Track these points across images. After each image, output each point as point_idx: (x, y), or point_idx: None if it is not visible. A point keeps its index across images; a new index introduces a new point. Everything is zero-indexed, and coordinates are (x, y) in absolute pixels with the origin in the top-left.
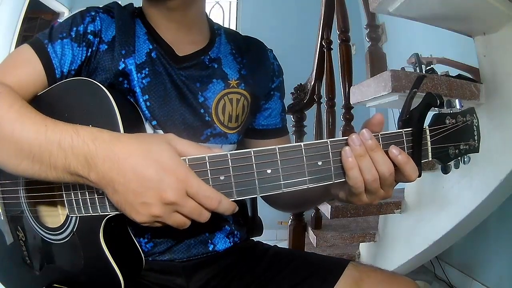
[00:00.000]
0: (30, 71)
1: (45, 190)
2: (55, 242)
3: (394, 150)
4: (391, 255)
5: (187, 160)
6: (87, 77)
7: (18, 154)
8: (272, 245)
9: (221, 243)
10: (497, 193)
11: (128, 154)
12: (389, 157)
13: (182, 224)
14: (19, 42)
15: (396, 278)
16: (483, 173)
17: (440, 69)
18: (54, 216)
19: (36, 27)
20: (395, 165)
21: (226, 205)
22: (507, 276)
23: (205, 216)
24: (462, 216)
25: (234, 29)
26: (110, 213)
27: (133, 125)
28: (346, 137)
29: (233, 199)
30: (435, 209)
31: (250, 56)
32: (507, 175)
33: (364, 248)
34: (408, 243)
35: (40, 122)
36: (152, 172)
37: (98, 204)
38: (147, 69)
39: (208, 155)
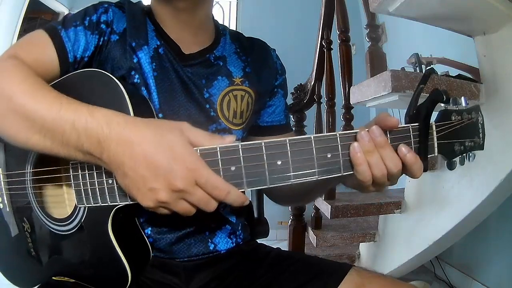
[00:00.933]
0: (45, 51)
1: (53, 181)
2: (61, 233)
3: (403, 149)
4: (391, 255)
5: (198, 150)
6: (97, 68)
7: (30, 128)
8: (272, 245)
9: (223, 242)
10: (497, 193)
11: (141, 139)
12: (397, 154)
13: (188, 211)
14: None
15: (399, 284)
16: (483, 173)
17: (440, 69)
18: (61, 208)
19: (36, 27)
20: (402, 162)
21: (235, 196)
22: (507, 276)
23: (212, 206)
24: (462, 216)
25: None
26: (120, 203)
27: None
28: (355, 130)
29: (242, 190)
30: (435, 209)
31: (254, 55)
32: (507, 175)
33: (364, 248)
34: (408, 243)
35: (54, 99)
36: (163, 160)
37: (107, 194)
38: (154, 64)
39: (220, 145)
